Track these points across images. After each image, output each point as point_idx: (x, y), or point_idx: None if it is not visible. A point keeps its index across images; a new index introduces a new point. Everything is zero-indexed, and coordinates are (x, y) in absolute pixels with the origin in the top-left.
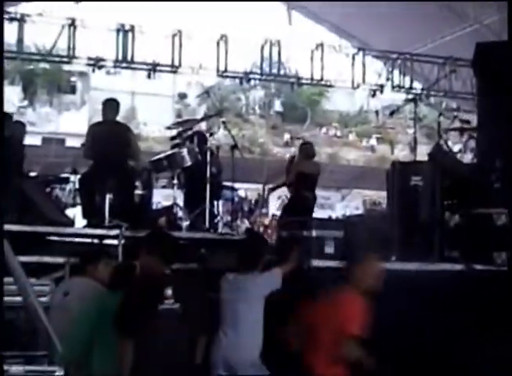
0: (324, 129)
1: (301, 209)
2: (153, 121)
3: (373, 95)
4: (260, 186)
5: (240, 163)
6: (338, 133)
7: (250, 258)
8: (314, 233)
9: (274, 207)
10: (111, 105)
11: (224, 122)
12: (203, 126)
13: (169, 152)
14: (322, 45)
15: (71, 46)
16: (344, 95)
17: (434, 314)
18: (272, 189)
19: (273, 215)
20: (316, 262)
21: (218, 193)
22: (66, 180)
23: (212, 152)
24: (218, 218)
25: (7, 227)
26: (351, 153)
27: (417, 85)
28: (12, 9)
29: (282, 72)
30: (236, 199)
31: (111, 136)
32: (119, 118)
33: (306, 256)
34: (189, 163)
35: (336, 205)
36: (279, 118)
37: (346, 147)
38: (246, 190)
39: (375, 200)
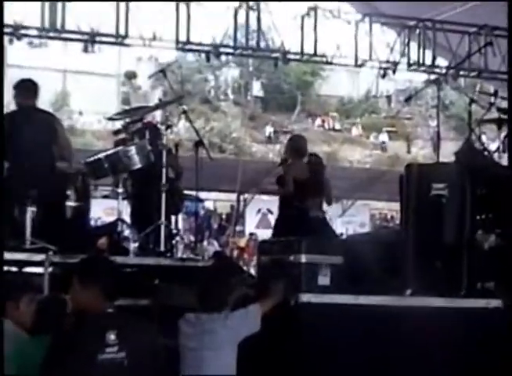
0: (319, 120)
1: (300, 230)
2: (90, 110)
3: (384, 76)
4: (233, 196)
5: (208, 165)
6: (337, 126)
7: (220, 292)
8: (304, 259)
9: (252, 223)
10: (26, 87)
11: (185, 111)
12: (157, 116)
13: (112, 150)
14: (315, 9)
15: None
16: (345, 76)
17: (462, 362)
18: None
19: (251, 235)
20: (307, 297)
21: (178, 205)
22: None
23: (169, 150)
24: (178, 238)
25: None
26: (355, 152)
27: (442, 62)
28: None
29: (262, 44)
30: (202, 213)
31: (30, 129)
32: (46, 105)
33: (294, 289)
34: (138, 165)
35: (334, 221)
36: (258, 105)
37: (348, 144)
38: (216, 201)
39: (385, 214)
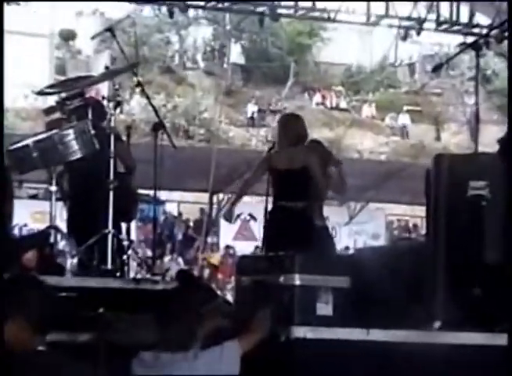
0: (318, 97)
1: (291, 241)
2: (13, 81)
3: (405, 38)
4: (204, 197)
5: (170, 155)
6: (343, 104)
7: (186, 324)
8: (298, 280)
9: (229, 233)
10: None
11: (140, 83)
12: (103, 90)
13: (43, 135)
14: None
15: None
16: (353, 37)
17: None
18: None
19: (228, 248)
20: (302, 331)
21: (130, 208)
22: None
23: (119, 136)
24: (130, 252)
25: None
26: (366, 138)
27: (482, 20)
28: None
29: None
30: (162, 219)
31: None
32: None
33: (284, 320)
34: (77, 154)
35: (339, 230)
36: (238, 76)
37: (357, 128)
38: (180, 204)
39: (406, 221)
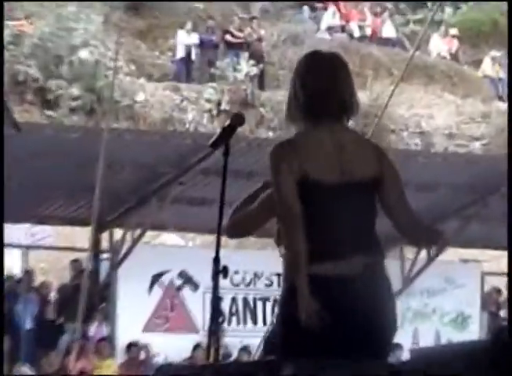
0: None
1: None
2: None
3: None
4: (82, 237)
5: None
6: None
7: None
8: None
9: (138, 314)
10: None
11: None
12: None
13: None
14: None
15: None
16: None
17: None
18: None
19: (132, 347)
20: None
21: None
22: None
23: None
24: None
25: None
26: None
27: None
28: None
29: None
30: None
31: None
32: None
33: None
34: None
35: None
36: None
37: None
38: (27, 252)
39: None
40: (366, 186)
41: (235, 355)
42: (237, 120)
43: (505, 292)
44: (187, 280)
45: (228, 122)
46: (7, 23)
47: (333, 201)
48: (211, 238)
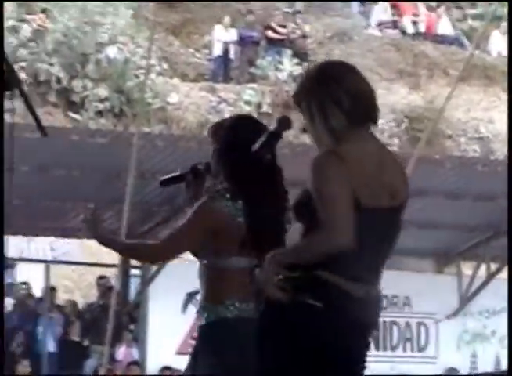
0: None
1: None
2: None
3: None
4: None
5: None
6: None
7: None
8: None
9: (170, 338)
10: None
11: None
12: None
13: None
14: None
15: None
16: None
17: None
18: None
19: (166, 370)
20: None
21: None
22: None
23: None
24: None
25: None
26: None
27: None
28: None
29: None
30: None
31: None
32: None
33: None
34: None
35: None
36: None
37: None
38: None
39: None
40: (401, 210)
41: None
42: (284, 124)
43: None
44: None
45: (274, 126)
46: (25, 17)
47: (380, 227)
48: None
